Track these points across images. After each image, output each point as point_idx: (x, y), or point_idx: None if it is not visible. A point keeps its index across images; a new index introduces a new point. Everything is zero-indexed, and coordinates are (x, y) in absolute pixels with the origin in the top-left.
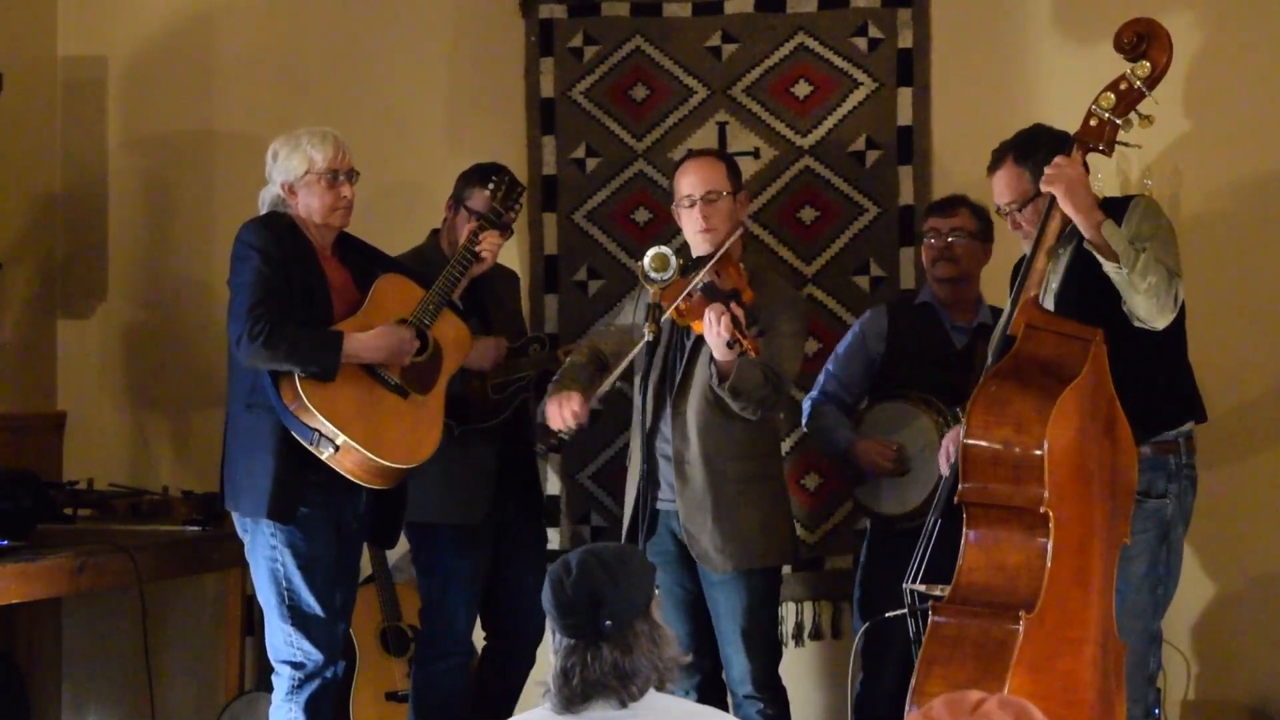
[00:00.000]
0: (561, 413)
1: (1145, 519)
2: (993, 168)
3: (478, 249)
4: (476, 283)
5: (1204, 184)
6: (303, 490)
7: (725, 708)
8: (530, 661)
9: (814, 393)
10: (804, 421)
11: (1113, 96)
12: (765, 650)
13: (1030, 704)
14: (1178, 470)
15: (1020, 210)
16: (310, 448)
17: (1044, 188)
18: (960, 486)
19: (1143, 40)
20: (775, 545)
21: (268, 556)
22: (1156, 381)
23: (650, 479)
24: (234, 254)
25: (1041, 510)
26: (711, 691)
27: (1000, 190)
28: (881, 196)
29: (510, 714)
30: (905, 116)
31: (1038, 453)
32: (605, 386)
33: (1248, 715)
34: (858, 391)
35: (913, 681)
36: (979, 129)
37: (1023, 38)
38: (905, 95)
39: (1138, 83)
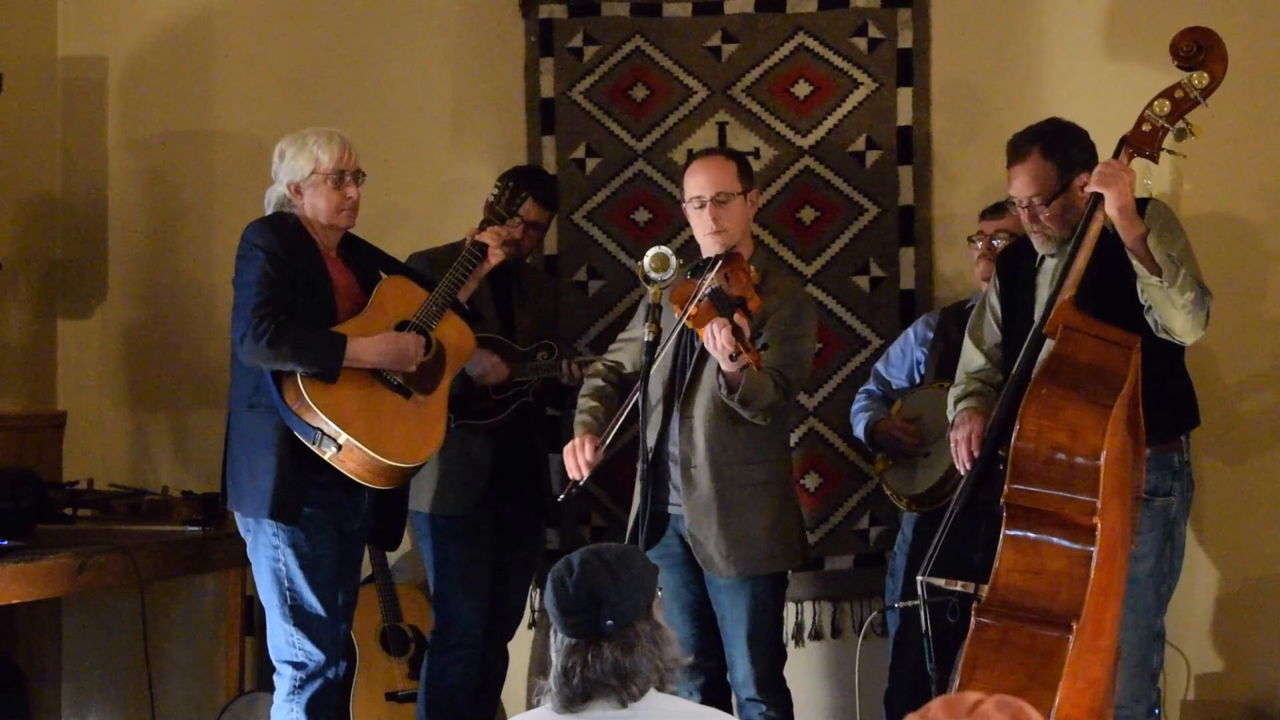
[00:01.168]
0: (576, 462)
1: (1153, 518)
2: (1015, 160)
3: (484, 245)
4: (506, 285)
5: (1204, 184)
6: (305, 491)
7: (730, 708)
8: (504, 656)
9: (860, 393)
10: (853, 425)
11: (1168, 104)
12: (769, 653)
13: (1027, 705)
14: (1181, 468)
15: (1045, 205)
16: (313, 447)
17: (1093, 188)
18: (1006, 487)
19: (1201, 50)
20: (781, 550)
21: (270, 556)
22: (1168, 386)
23: (657, 481)
24: (239, 253)
25: (1092, 520)
26: (716, 693)
27: (1024, 183)
28: (881, 196)
29: (492, 705)
30: (905, 116)
31: (1095, 463)
32: (613, 430)
33: (1248, 715)
34: (900, 394)
35: (954, 681)
36: (979, 129)
37: (1023, 38)
38: (905, 95)
39: (1195, 92)
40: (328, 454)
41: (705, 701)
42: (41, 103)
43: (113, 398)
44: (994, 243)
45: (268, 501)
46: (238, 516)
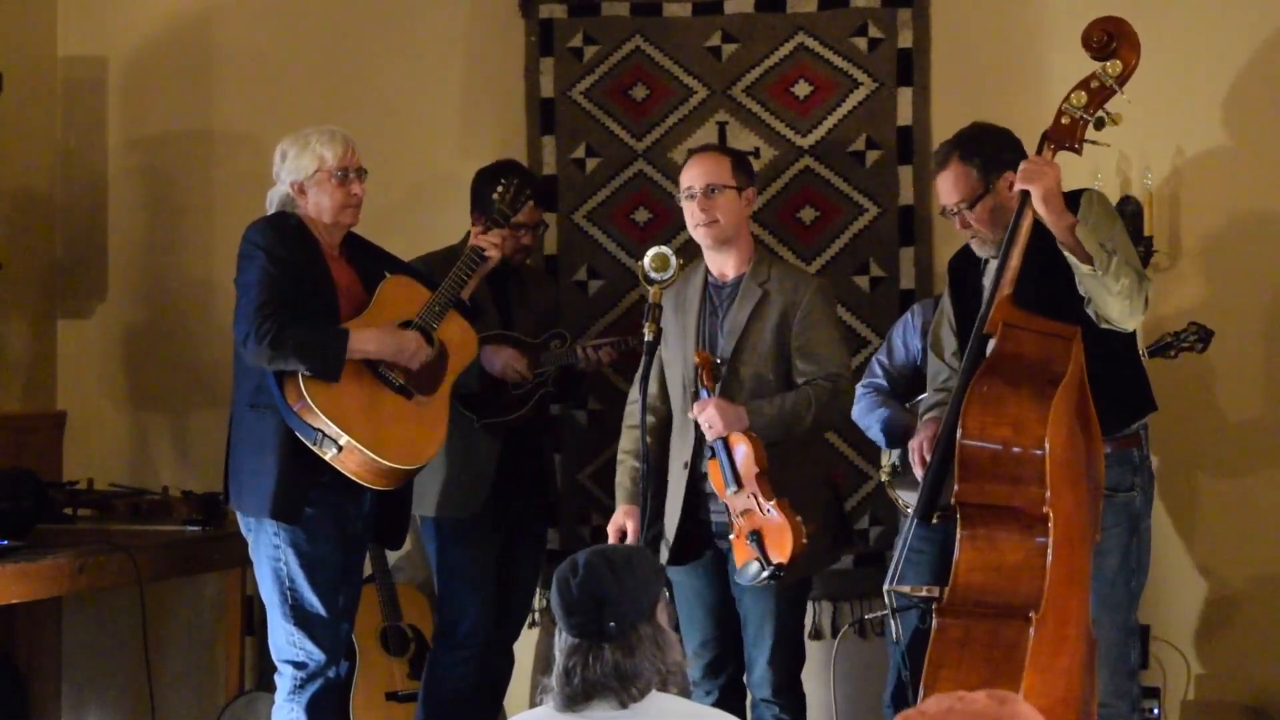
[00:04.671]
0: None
1: (1116, 513)
2: (937, 169)
3: (483, 249)
4: (504, 283)
5: (1204, 184)
6: (306, 491)
7: (744, 710)
8: (509, 659)
9: (862, 383)
10: (853, 412)
11: (1084, 95)
12: (789, 657)
13: (1015, 695)
14: (1141, 462)
15: (970, 209)
16: (314, 448)
17: (1019, 185)
18: (956, 487)
19: (1113, 39)
20: (810, 557)
21: (271, 556)
22: (1120, 377)
23: (695, 491)
24: (240, 254)
25: (1043, 510)
26: (735, 692)
27: (948, 190)
28: (881, 196)
29: (495, 707)
30: (905, 116)
31: (1039, 453)
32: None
33: (1248, 715)
34: (905, 384)
35: (921, 684)
36: None
37: (1022, 37)
38: (905, 95)
39: (1110, 81)
40: (328, 455)
41: (723, 701)
42: (41, 103)
43: (113, 398)
44: None
45: (268, 502)
46: (239, 516)
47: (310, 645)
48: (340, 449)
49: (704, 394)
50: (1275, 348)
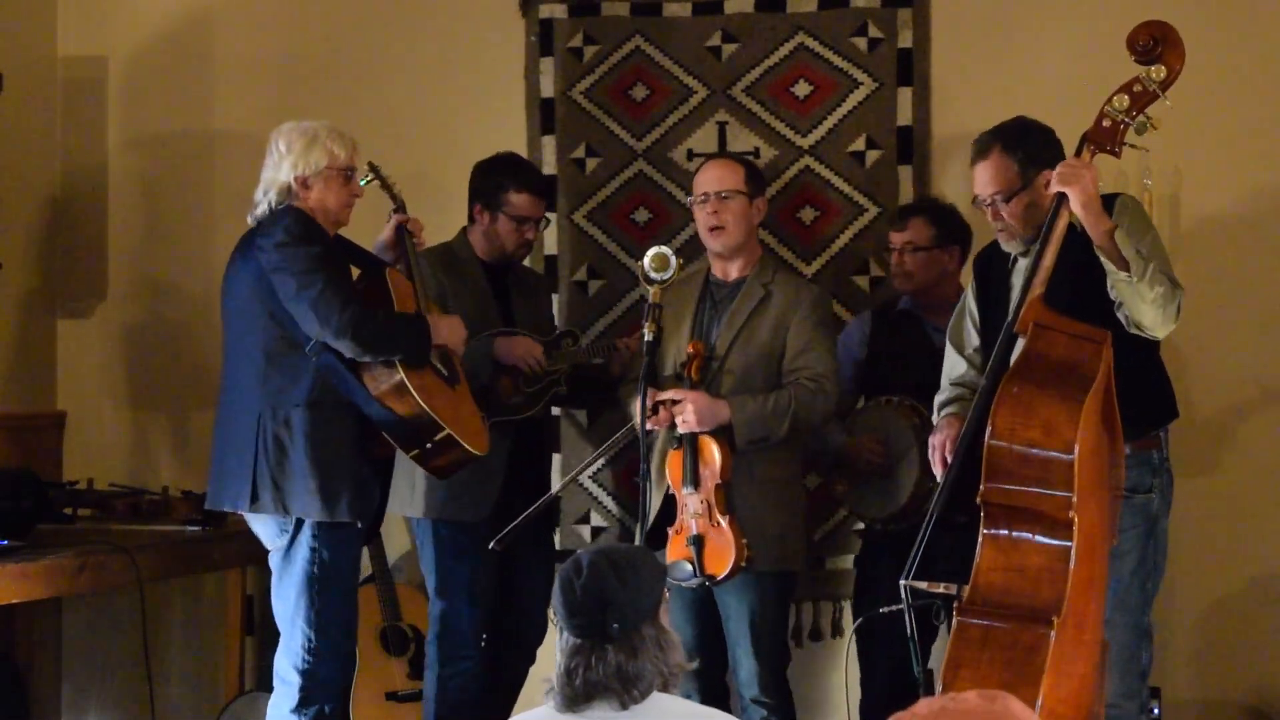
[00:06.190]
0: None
1: (1133, 515)
2: (977, 158)
3: (413, 231)
4: (502, 280)
5: (1204, 184)
6: (371, 489)
7: (728, 710)
8: (530, 660)
9: None
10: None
11: (1127, 98)
12: (774, 654)
13: (1004, 692)
14: (1160, 465)
15: (1006, 202)
16: (402, 448)
17: (1056, 187)
18: (983, 486)
19: (1158, 44)
20: (789, 550)
21: (306, 559)
22: (1145, 381)
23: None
24: (283, 242)
25: (1069, 515)
26: (716, 694)
27: (985, 181)
28: (881, 196)
29: (509, 712)
30: (905, 116)
31: (1068, 457)
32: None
33: (1248, 715)
34: (849, 399)
35: (938, 683)
36: (979, 129)
37: (1023, 37)
38: (905, 95)
39: (1153, 86)
40: (412, 452)
41: (707, 702)
42: (41, 103)
43: (113, 398)
44: (903, 254)
45: (347, 502)
46: (263, 519)
47: (324, 651)
48: (434, 444)
49: (685, 385)
50: (1275, 348)
